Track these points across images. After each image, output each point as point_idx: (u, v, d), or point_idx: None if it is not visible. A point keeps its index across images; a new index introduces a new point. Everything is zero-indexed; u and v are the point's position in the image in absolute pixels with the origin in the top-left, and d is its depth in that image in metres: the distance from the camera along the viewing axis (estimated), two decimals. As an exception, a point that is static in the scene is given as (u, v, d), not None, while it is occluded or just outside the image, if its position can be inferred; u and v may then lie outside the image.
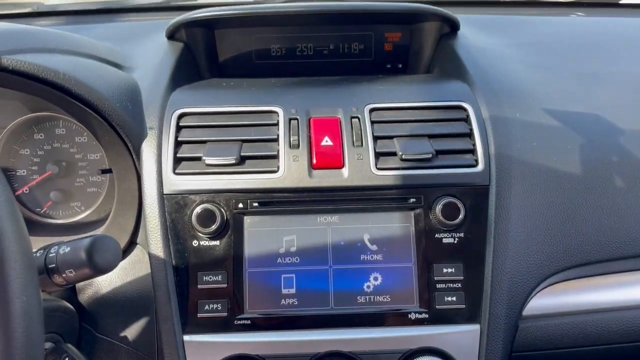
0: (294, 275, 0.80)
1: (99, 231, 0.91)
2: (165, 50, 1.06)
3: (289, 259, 0.81)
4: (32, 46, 0.80)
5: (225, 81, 1.01)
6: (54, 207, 0.99)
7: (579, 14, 1.42)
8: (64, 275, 0.64)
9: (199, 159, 0.83)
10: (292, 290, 0.80)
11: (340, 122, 0.85)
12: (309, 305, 0.80)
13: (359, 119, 0.85)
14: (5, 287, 0.48)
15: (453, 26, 1.10)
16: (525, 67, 1.04)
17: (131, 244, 0.88)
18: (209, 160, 0.82)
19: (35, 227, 0.98)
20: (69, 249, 0.63)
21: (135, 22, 1.47)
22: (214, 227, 0.79)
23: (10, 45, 0.76)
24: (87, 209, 0.99)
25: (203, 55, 1.13)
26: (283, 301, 0.80)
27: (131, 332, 0.85)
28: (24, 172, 0.99)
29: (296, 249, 0.81)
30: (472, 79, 0.93)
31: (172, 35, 1.10)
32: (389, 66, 1.18)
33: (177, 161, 0.83)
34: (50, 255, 0.64)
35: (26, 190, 0.99)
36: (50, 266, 0.64)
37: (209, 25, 1.11)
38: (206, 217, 0.79)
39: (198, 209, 0.80)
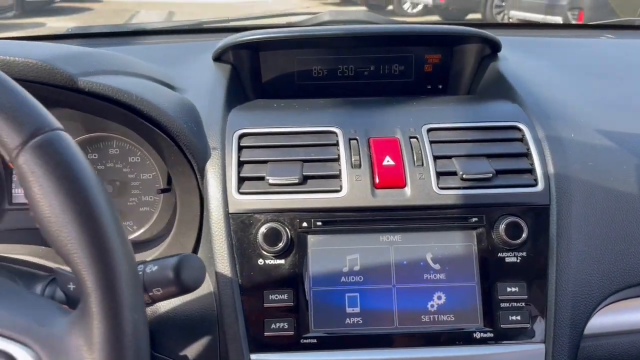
0: (358, 295, 0.81)
1: (160, 250, 0.91)
2: (214, 72, 1.07)
3: (353, 278, 0.81)
4: (100, 68, 0.82)
5: (276, 102, 1.02)
6: (107, 226, 1.00)
7: (609, 36, 1.45)
8: (150, 293, 0.64)
9: (262, 178, 0.84)
10: (357, 309, 0.81)
11: (399, 142, 0.86)
12: (374, 324, 0.80)
13: (417, 139, 0.87)
14: (118, 305, 0.48)
15: (494, 47, 1.12)
16: (568, 88, 1.06)
17: (190, 263, 0.89)
18: (273, 179, 0.83)
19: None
20: (156, 267, 0.64)
21: (166, 45, 1.49)
22: (281, 245, 0.80)
23: (82, 67, 0.78)
24: (140, 229, 1.00)
25: (248, 76, 1.15)
26: (348, 320, 0.80)
27: (192, 351, 0.85)
28: (77, 192, 0.99)
29: (359, 268, 0.81)
30: (523, 100, 0.95)
31: (218, 57, 1.11)
32: (429, 87, 1.20)
33: (240, 181, 0.84)
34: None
35: (79, 209, 0.99)
36: None
37: (255, 47, 1.13)
38: (273, 236, 0.80)
39: (263, 228, 0.80)
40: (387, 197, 0.82)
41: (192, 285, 0.65)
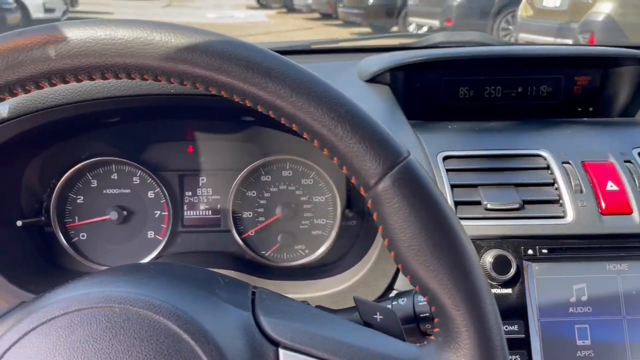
0: (587, 326, 0.77)
1: (358, 276, 0.87)
2: (378, 93, 1.04)
3: (581, 309, 0.77)
4: None
5: (449, 124, 0.99)
6: (280, 250, 0.96)
7: None
8: (428, 325, 0.60)
9: (477, 203, 0.80)
10: (587, 342, 0.77)
11: (615, 166, 0.83)
12: (606, 358, 0.76)
13: (632, 162, 0.84)
14: (493, 345, 0.45)
15: None
16: None
17: (388, 289, 0.85)
18: (491, 204, 0.79)
19: (261, 270, 0.94)
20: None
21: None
22: (511, 273, 0.76)
23: None
24: (312, 253, 0.96)
25: (401, 97, 1.12)
26: (579, 353, 0.76)
27: None
28: (249, 215, 0.96)
29: (587, 298, 0.78)
30: None
31: (373, 78, 1.09)
32: (579, 109, 1.18)
33: (454, 205, 0.81)
34: (420, 303, 0.61)
35: (252, 233, 0.96)
36: (422, 315, 0.60)
37: (409, 68, 1.10)
38: (501, 264, 0.76)
39: (490, 256, 0.77)
40: (614, 224, 0.79)
41: None
